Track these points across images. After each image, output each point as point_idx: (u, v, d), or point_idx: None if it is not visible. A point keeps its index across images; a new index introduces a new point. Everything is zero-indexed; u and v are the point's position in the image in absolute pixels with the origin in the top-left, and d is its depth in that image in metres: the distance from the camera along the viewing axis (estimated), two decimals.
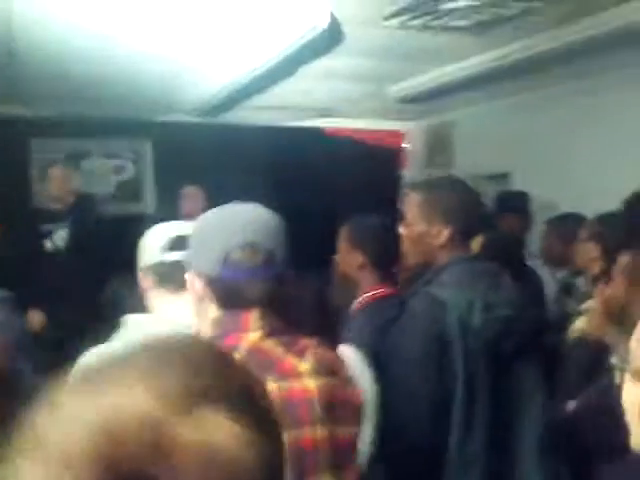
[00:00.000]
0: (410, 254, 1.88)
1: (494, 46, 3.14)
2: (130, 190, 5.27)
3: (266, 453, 0.54)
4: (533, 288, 2.85)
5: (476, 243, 1.84)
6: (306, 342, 1.28)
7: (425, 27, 2.74)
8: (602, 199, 2.67)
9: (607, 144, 3.61)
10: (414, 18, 2.65)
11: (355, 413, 1.26)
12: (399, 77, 3.84)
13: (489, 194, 4.72)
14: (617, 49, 3.03)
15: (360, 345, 1.90)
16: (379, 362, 1.84)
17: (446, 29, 2.79)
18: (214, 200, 4.86)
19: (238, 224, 1.20)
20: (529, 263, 3.13)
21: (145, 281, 1.56)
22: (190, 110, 4.71)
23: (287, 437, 1.10)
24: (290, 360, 1.21)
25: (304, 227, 5.35)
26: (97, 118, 4.83)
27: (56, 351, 3.51)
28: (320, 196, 5.46)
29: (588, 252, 2.48)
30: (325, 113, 5.03)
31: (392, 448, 1.66)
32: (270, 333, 1.22)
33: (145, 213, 5.12)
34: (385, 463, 1.69)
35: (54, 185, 4.18)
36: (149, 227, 1.62)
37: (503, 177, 4.60)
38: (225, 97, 4.12)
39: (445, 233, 1.76)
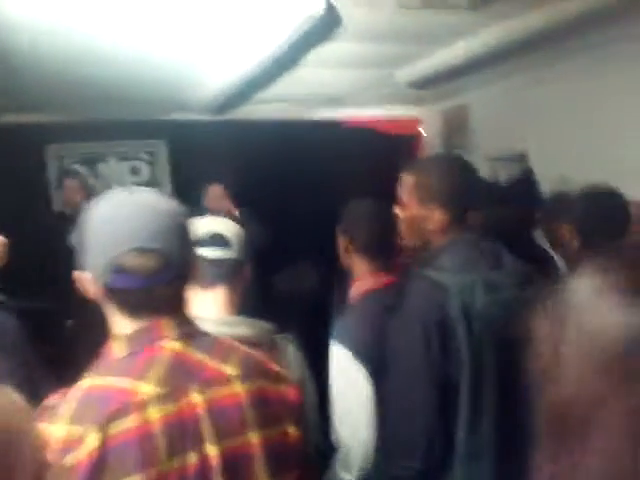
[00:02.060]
0: (407, 237, 1.82)
1: (501, 20, 3.04)
2: None
3: None
4: (543, 267, 2.77)
5: (476, 220, 1.76)
6: (228, 344, 1.21)
7: (425, 5, 2.67)
8: (621, 177, 2.56)
9: (627, 119, 3.47)
10: None
11: (290, 412, 1.19)
12: (406, 60, 3.76)
13: (507, 175, 4.63)
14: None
15: (354, 341, 1.87)
16: (379, 355, 1.80)
17: (447, 6, 2.71)
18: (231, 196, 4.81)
19: (126, 227, 1.07)
20: (540, 242, 3.03)
21: None
22: (201, 108, 4.70)
23: (221, 447, 1.05)
24: (214, 365, 1.13)
25: (319, 221, 5.36)
26: (110, 121, 4.85)
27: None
28: (335, 188, 5.42)
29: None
30: (336, 102, 4.97)
31: (396, 440, 1.62)
32: (187, 339, 1.13)
33: None
34: (389, 453, 1.65)
35: (67, 195, 4.63)
36: None
37: (521, 158, 4.48)
38: (234, 92, 4.09)
39: (439, 215, 1.70)
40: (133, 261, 1.05)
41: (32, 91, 3.92)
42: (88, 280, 1.11)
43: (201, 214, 1.67)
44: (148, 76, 3.71)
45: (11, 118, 4.50)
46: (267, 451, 1.11)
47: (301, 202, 5.21)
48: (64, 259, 4.38)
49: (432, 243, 1.73)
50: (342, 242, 2.12)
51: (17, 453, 0.64)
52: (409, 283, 1.67)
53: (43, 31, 2.78)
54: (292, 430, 1.17)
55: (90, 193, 4.68)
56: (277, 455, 1.13)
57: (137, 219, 1.08)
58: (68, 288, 4.01)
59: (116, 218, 1.08)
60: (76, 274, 1.13)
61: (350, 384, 1.84)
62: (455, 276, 1.59)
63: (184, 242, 1.13)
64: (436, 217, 1.70)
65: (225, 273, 1.58)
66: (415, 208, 1.74)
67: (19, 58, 3.16)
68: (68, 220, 4.44)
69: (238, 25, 2.90)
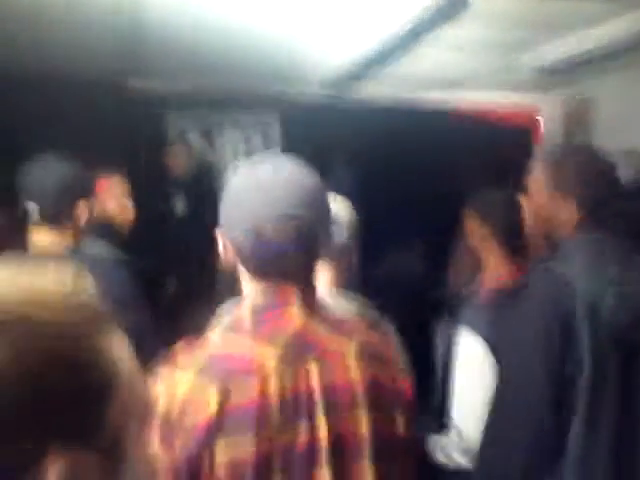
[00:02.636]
0: (532, 228, 1.77)
1: (634, 10, 2.86)
2: None
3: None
4: None
5: (606, 216, 1.67)
6: (351, 323, 1.20)
7: None
8: None
9: None
10: None
11: (401, 403, 1.17)
12: (532, 47, 3.61)
13: (631, 173, 4.38)
14: None
15: (485, 330, 1.86)
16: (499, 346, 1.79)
17: None
18: (338, 176, 4.88)
19: (270, 194, 1.08)
20: None
21: None
22: (318, 83, 4.72)
23: (330, 423, 1.06)
24: (333, 341, 1.13)
25: (428, 210, 5.31)
26: (228, 92, 4.95)
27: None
28: (446, 178, 5.32)
29: None
30: (454, 85, 4.86)
31: (506, 435, 1.57)
32: (312, 311, 1.13)
33: None
34: (494, 447, 1.62)
35: (174, 161, 4.74)
36: None
37: None
38: (352, 70, 4.08)
39: (572, 206, 1.62)
40: (272, 228, 1.07)
41: (159, 59, 4.06)
42: (226, 243, 1.15)
43: None
44: (268, 50, 3.76)
45: (137, 84, 4.69)
46: (374, 435, 1.11)
47: (409, 186, 5.16)
48: (174, 224, 4.60)
49: (559, 236, 1.66)
50: (479, 230, 2.11)
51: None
52: (533, 274, 1.63)
53: (173, 4, 2.87)
54: (402, 418, 1.16)
55: (198, 160, 4.89)
56: (384, 442, 1.12)
57: (279, 187, 1.09)
58: (177, 251, 4.20)
59: (259, 185, 1.10)
60: (217, 236, 1.17)
61: (477, 368, 1.85)
62: (584, 274, 1.51)
63: (324, 211, 1.15)
64: (569, 208, 1.62)
65: (332, 253, 1.58)
66: (547, 198, 1.66)
67: (149, 29, 3.28)
68: (178, 186, 4.65)
69: (362, 2, 2.87)
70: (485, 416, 1.72)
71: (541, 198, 1.68)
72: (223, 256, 1.17)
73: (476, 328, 1.89)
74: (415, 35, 3.23)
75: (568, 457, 1.49)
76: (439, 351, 2.22)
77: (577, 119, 5.05)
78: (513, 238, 2.04)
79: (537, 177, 1.70)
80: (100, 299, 0.70)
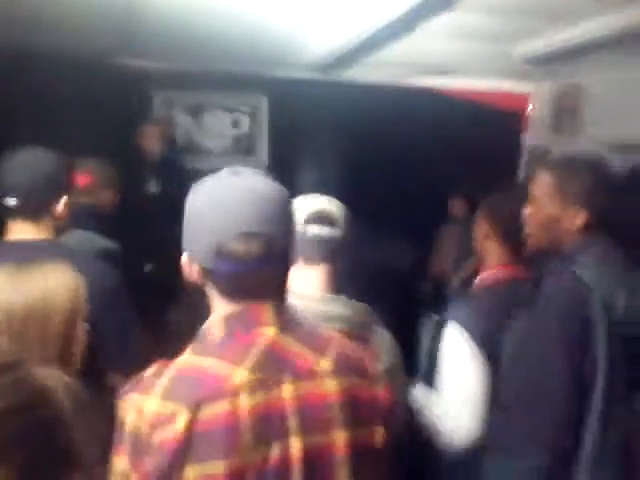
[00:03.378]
0: (538, 237, 1.80)
1: (631, 4, 2.84)
2: (245, 144, 5.34)
3: None
4: None
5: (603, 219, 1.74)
6: (325, 336, 1.18)
7: None
8: None
9: None
10: None
11: (380, 414, 1.16)
12: (526, 35, 3.58)
13: (620, 166, 4.40)
14: None
15: (472, 326, 1.89)
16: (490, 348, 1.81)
17: None
18: (324, 159, 4.90)
19: (231, 212, 1.07)
20: None
21: None
22: (307, 66, 4.66)
23: (304, 443, 1.05)
24: (308, 358, 1.11)
25: (417, 191, 5.30)
26: (216, 72, 4.90)
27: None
28: (435, 159, 5.31)
29: None
30: (447, 71, 4.83)
31: (520, 430, 1.62)
32: (285, 328, 1.12)
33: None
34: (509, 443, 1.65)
35: (146, 141, 4.65)
36: None
37: (637, 148, 4.24)
38: (343, 54, 4.03)
39: (581, 216, 1.68)
40: (237, 246, 1.05)
41: (147, 37, 3.99)
42: (190, 262, 1.13)
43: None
44: (258, 31, 3.70)
45: (124, 61, 4.62)
46: (352, 452, 1.09)
47: (397, 169, 5.15)
48: (151, 206, 4.57)
49: (565, 244, 1.72)
50: (483, 228, 2.14)
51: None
52: (549, 277, 1.67)
53: None
54: (380, 432, 1.15)
55: (171, 140, 4.83)
56: (362, 457, 1.11)
57: (243, 204, 1.07)
58: (151, 234, 4.17)
59: (222, 202, 1.08)
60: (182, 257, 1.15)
61: (464, 361, 1.88)
62: (598, 275, 1.57)
63: (288, 227, 1.13)
64: (578, 218, 1.68)
65: (330, 252, 1.58)
66: (555, 208, 1.72)
67: (139, 8, 3.21)
68: (150, 166, 4.58)
69: None
70: (476, 413, 1.78)
71: (550, 208, 1.73)
72: (190, 276, 1.15)
73: (464, 324, 1.91)
74: (408, 23, 3.20)
75: (582, 457, 1.53)
76: (424, 346, 2.23)
77: (567, 108, 5.04)
78: (513, 238, 2.06)
79: (543, 188, 1.74)
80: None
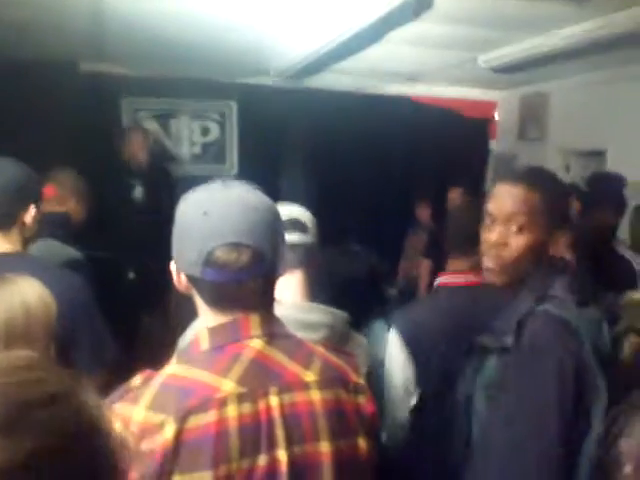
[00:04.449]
0: (525, 263, 1.52)
1: (595, 15, 2.91)
2: (214, 151, 5.33)
3: None
4: (626, 275, 2.72)
5: (564, 241, 1.60)
6: (310, 348, 1.19)
7: None
8: None
9: None
10: None
11: (364, 424, 1.18)
12: (492, 45, 3.65)
13: (583, 172, 4.49)
14: None
15: (411, 331, 1.93)
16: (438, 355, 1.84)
17: None
18: (293, 166, 4.89)
19: (219, 222, 1.07)
20: (624, 253, 2.95)
21: None
22: (276, 74, 4.69)
23: (291, 453, 1.06)
24: (294, 369, 1.12)
25: (384, 197, 5.33)
26: (185, 79, 4.88)
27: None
28: (404, 165, 5.36)
29: None
30: (414, 79, 4.89)
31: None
32: (272, 339, 1.13)
33: (227, 175, 5.18)
34: None
35: (131, 147, 4.54)
36: None
37: (598, 154, 4.34)
38: (311, 61, 4.06)
39: (565, 239, 1.51)
40: (225, 256, 1.06)
41: (116, 44, 3.97)
42: (178, 270, 1.13)
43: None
44: (227, 38, 3.70)
45: (92, 67, 4.58)
46: (337, 462, 1.11)
47: (365, 175, 5.18)
48: (129, 211, 4.51)
49: (530, 275, 1.52)
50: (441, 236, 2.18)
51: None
52: (536, 321, 1.44)
53: None
54: (364, 442, 1.17)
55: (152, 149, 4.74)
56: (347, 467, 1.13)
57: (231, 214, 1.08)
58: (133, 240, 4.11)
59: (210, 212, 1.08)
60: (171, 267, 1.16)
61: (394, 365, 1.94)
62: (580, 312, 1.41)
63: (276, 238, 1.13)
64: (562, 242, 1.50)
65: (303, 258, 1.59)
66: (543, 233, 1.51)
67: (109, 12, 3.19)
68: (132, 174, 4.52)
69: None
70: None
71: (540, 233, 1.52)
72: (178, 287, 1.15)
73: (401, 328, 1.97)
74: (376, 32, 3.23)
75: None
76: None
77: (532, 115, 5.14)
78: (466, 245, 2.03)
79: (531, 210, 1.52)
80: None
